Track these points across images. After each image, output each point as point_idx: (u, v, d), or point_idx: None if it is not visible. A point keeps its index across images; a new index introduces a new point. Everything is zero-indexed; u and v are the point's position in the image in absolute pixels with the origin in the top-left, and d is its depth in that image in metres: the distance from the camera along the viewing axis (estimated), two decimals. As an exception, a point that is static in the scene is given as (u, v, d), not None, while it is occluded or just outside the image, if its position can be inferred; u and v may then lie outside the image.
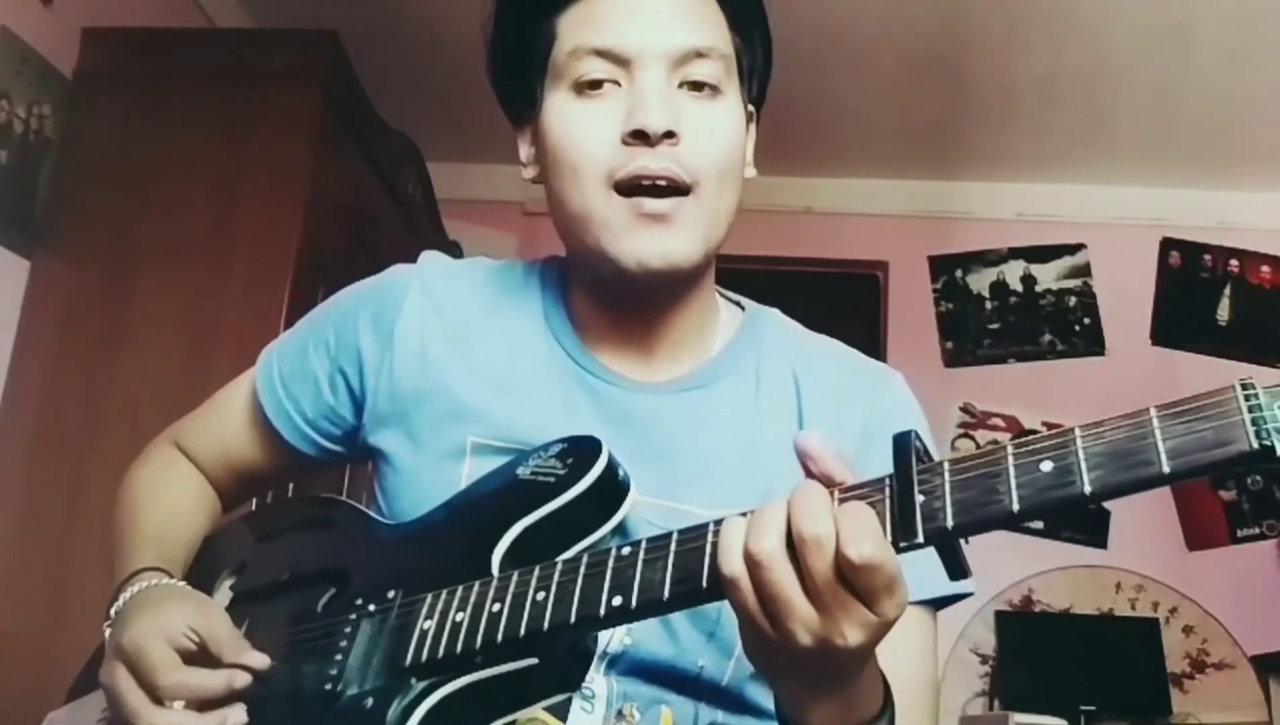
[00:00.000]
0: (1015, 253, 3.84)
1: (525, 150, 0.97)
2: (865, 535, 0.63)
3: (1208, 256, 3.77)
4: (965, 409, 3.70)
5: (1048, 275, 3.82)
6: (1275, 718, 3.32)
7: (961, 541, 0.66)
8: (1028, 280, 3.83)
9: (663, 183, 0.87)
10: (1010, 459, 0.63)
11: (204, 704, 0.82)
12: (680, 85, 0.89)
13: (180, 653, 0.84)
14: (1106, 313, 3.75)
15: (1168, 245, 3.79)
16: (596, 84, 0.89)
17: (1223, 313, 3.73)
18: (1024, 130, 3.51)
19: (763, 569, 0.65)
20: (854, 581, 0.64)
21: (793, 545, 0.65)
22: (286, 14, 2.97)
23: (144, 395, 2.15)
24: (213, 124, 2.35)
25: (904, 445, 0.67)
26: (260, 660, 0.85)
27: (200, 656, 0.85)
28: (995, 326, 3.81)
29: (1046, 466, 0.62)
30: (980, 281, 3.84)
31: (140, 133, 2.36)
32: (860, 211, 3.85)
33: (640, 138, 0.86)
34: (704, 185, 0.89)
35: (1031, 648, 3.42)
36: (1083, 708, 3.22)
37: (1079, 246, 3.81)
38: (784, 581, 0.64)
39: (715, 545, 0.68)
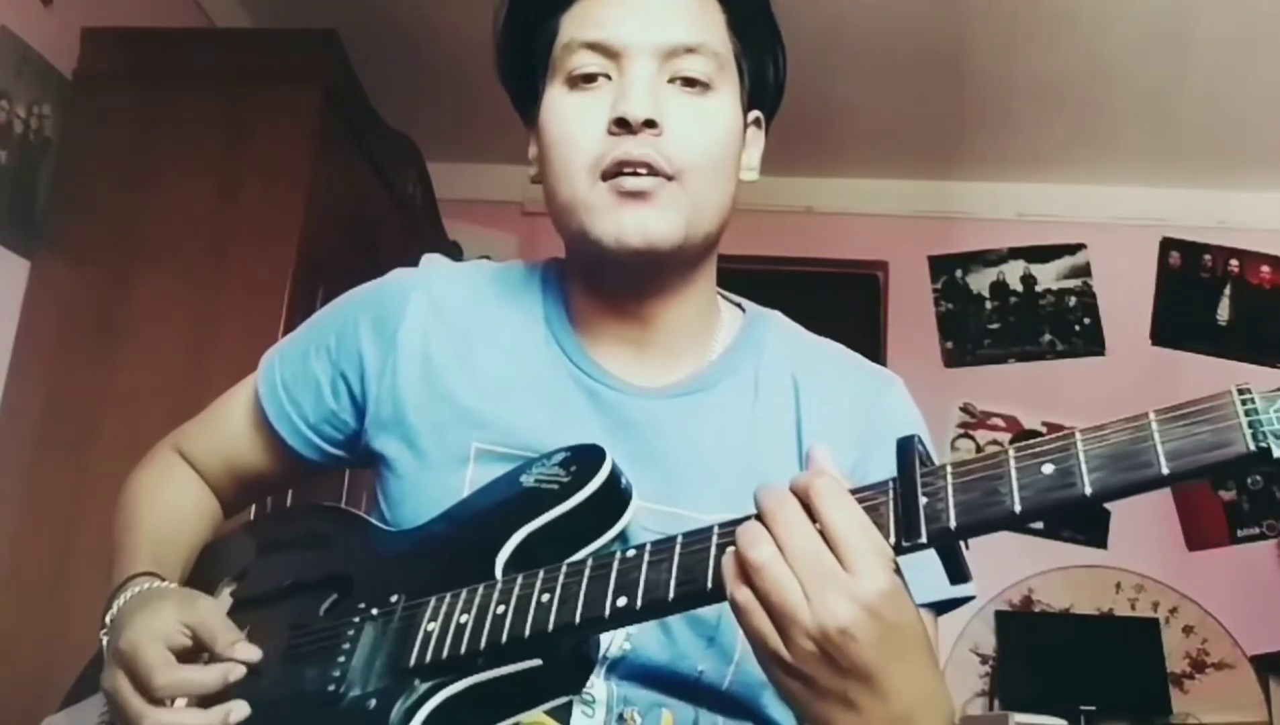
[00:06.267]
0: (1015, 253, 3.84)
1: (533, 149, 0.98)
2: (824, 468, 0.68)
3: (1208, 256, 3.77)
4: (965, 409, 3.70)
5: (1048, 275, 3.82)
6: (1275, 718, 3.32)
7: (963, 545, 0.66)
8: (1028, 280, 3.83)
9: (643, 171, 0.87)
10: (1012, 461, 0.64)
11: (206, 699, 0.83)
12: (671, 80, 0.91)
13: (176, 650, 0.85)
14: (1106, 313, 3.75)
15: (1168, 245, 3.79)
16: (589, 77, 0.91)
17: (1223, 313, 3.73)
18: (1024, 130, 3.51)
19: (762, 573, 0.64)
20: (830, 525, 0.64)
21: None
22: (286, 14, 2.97)
23: (144, 395, 2.15)
24: (213, 124, 2.35)
25: (907, 449, 0.67)
26: (252, 653, 0.85)
27: (196, 651, 0.86)
28: (995, 326, 3.81)
29: (1048, 468, 0.63)
30: (980, 281, 3.84)
31: (140, 133, 2.36)
32: (860, 211, 3.85)
33: (623, 126, 0.87)
34: (688, 174, 0.89)
35: (1031, 648, 3.42)
36: (1083, 708, 3.22)
37: (1079, 246, 3.81)
38: (783, 584, 0.64)
39: (721, 548, 0.68)
